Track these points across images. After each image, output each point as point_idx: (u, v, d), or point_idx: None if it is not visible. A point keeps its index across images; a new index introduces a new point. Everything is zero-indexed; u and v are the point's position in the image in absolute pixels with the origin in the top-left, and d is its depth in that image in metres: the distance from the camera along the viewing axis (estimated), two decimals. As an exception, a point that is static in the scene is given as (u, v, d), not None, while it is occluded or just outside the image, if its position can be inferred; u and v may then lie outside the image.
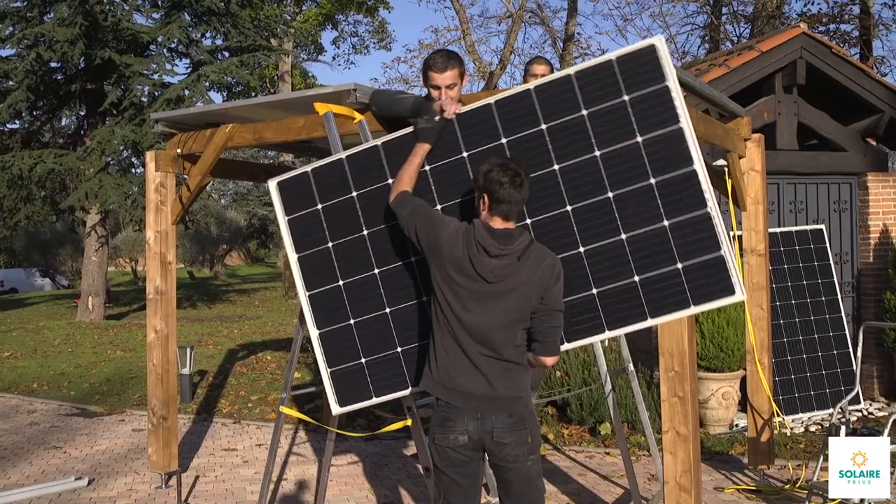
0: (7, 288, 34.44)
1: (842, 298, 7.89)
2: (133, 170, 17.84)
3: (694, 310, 3.32)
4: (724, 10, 18.75)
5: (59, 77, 17.81)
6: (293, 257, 4.00)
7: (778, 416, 6.32)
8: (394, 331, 3.79)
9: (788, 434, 6.84)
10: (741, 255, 6.02)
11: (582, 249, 3.45)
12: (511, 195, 3.07)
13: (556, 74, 3.59)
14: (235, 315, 19.67)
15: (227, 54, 18.87)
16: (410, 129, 3.74)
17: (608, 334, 3.43)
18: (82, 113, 19.17)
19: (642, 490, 5.41)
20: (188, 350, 8.74)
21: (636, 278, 3.38)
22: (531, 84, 3.58)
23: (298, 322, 4.77)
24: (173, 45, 18.00)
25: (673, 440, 4.02)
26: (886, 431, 4.56)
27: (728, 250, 3.29)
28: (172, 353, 5.85)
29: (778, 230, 7.74)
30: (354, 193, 3.87)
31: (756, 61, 7.64)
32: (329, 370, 3.91)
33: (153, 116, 5.66)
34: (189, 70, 18.52)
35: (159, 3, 18.44)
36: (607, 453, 6.56)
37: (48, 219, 19.80)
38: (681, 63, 17.75)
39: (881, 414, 7.56)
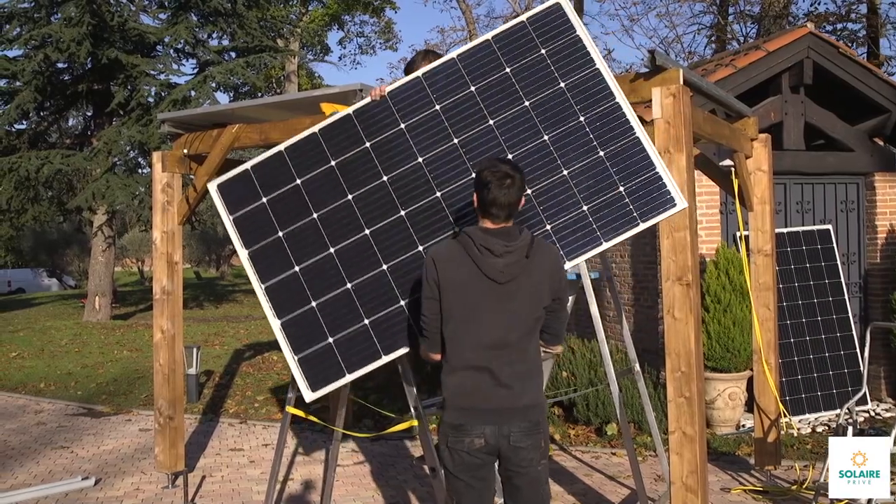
0: (14, 288, 34.60)
1: (849, 299, 7.87)
2: (140, 170, 17.91)
3: (642, 226, 3.63)
4: (731, 9, 18.70)
5: (66, 77, 17.86)
6: (243, 254, 4.05)
7: (785, 416, 6.30)
8: (358, 304, 3.84)
9: (795, 435, 6.82)
10: (748, 256, 6.01)
11: (529, 191, 3.71)
12: (496, 197, 2.98)
13: (475, 41, 3.96)
14: (242, 315, 19.70)
15: (233, 55, 18.91)
16: (343, 112, 3.99)
17: (568, 265, 3.65)
18: (89, 113, 19.22)
19: (649, 491, 5.40)
20: (195, 350, 8.76)
21: (584, 208, 3.68)
22: (454, 53, 3.91)
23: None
24: (180, 46, 18.04)
25: (679, 441, 4.02)
26: (894, 432, 4.54)
27: (662, 168, 3.63)
28: (179, 353, 5.86)
29: (785, 230, 7.72)
30: (299, 181, 4.00)
31: (763, 61, 7.61)
32: (296, 357, 3.91)
33: (160, 117, 5.68)
34: (196, 71, 18.56)
35: (166, 3, 18.48)
36: (613, 454, 6.56)
37: (55, 219, 19.87)
38: (687, 63, 17.71)
39: (888, 415, 7.53)
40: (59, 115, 19.23)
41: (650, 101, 4.06)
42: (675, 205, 3.59)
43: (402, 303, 3.77)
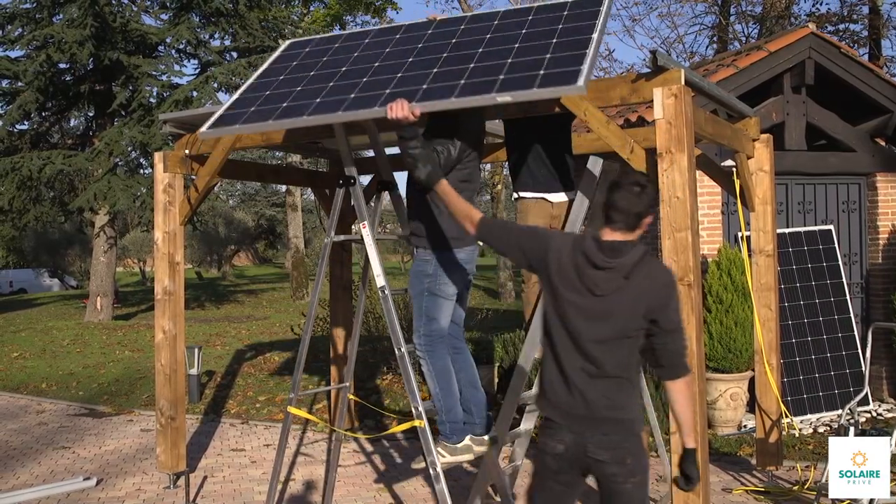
0: (16, 288, 34.64)
1: (850, 299, 7.86)
2: (141, 171, 17.92)
3: (536, 91, 3.70)
4: (733, 10, 18.68)
5: (68, 78, 17.88)
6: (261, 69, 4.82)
7: (786, 417, 6.30)
8: (290, 95, 4.38)
9: (797, 435, 6.82)
10: (749, 256, 6.00)
11: (483, 43, 4.30)
12: (616, 201, 2.91)
13: (522, 6, 4.58)
14: (243, 315, 19.72)
15: (235, 55, 18.93)
16: (407, 23, 4.80)
17: (456, 101, 3.83)
18: (91, 114, 19.24)
19: (651, 491, 5.39)
20: (196, 350, 8.76)
21: (508, 60, 4.01)
22: (503, 9, 4.65)
23: (306, 322, 4.78)
24: (182, 46, 18.07)
25: (681, 441, 4.01)
26: (895, 433, 4.54)
27: (590, 57, 3.82)
28: (180, 354, 5.87)
29: (786, 231, 7.72)
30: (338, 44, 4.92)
31: (764, 61, 7.61)
32: (220, 114, 4.47)
33: (161, 117, 5.68)
34: (197, 71, 18.59)
35: (168, 4, 18.50)
36: (615, 454, 6.55)
37: (57, 220, 19.90)
38: (689, 63, 17.70)
39: (890, 415, 7.53)
40: (60, 115, 19.26)
41: (652, 101, 4.06)
42: (574, 83, 3.66)
43: (315, 102, 4.22)
